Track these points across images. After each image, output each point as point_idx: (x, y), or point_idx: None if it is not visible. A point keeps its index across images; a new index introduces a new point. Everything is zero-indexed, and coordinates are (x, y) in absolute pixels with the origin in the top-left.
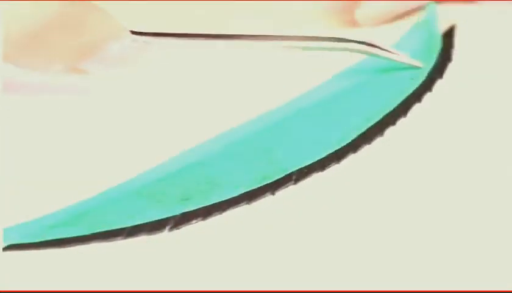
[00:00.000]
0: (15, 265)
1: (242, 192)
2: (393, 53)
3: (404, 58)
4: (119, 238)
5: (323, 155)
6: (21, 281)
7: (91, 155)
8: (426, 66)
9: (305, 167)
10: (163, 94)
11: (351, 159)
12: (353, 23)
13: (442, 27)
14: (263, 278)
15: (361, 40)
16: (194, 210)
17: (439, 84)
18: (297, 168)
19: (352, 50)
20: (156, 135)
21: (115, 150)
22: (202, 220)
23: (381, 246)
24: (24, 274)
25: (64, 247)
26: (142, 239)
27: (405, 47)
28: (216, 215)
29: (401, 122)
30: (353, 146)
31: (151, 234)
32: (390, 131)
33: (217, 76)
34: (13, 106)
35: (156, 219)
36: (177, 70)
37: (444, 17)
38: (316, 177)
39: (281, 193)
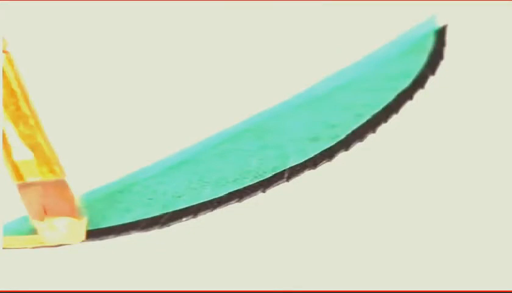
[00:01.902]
0: (15, 265)
1: (234, 190)
2: None
3: None
4: (111, 236)
5: (315, 153)
6: (20, 281)
7: (86, 153)
8: (418, 64)
9: (297, 165)
10: (158, 96)
11: (343, 156)
12: None
13: (435, 26)
14: (254, 276)
15: None
16: (185, 208)
17: (431, 81)
18: (289, 166)
19: None
20: (150, 135)
21: (110, 149)
22: (193, 217)
23: (374, 244)
24: (24, 274)
25: None
26: (134, 237)
27: (397, 46)
28: (207, 212)
29: (394, 119)
30: (345, 143)
31: (142, 232)
32: (382, 128)
33: (211, 77)
34: None
35: (148, 217)
36: (173, 71)
37: (437, 15)
38: (308, 174)
39: (272, 190)
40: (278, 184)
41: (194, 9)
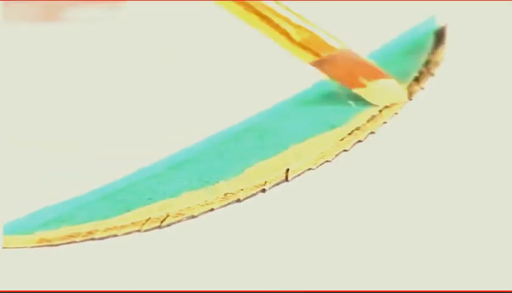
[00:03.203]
0: (15, 265)
1: (233, 190)
2: None
3: None
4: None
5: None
6: (20, 281)
7: (86, 153)
8: (418, 64)
9: (297, 165)
10: (158, 96)
11: (343, 156)
12: None
13: (435, 26)
14: (254, 276)
15: None
16: (184, 208)
17: (430, 82)
18: (289, 166)
19: None
20: (150, 135)
21: (110, 149)
22: (192, 217)
23: (375, 244)
24: (24, 274)
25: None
26: (133, 237)
27: (396, 46)
28: (206, 212)
29: (393, 119)
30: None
31: (142, 232)
32: (381, 129)
33: (211, 77)
34: (11, 104)
35: (148, 217)
36: (173, 71)
37: (437, 15)
38: (308, 174)
39: (272, 190)
40: (278, 184)
41: (194, 8)
